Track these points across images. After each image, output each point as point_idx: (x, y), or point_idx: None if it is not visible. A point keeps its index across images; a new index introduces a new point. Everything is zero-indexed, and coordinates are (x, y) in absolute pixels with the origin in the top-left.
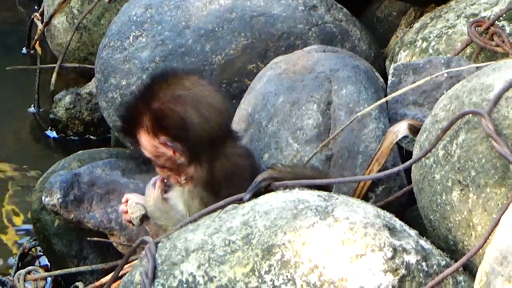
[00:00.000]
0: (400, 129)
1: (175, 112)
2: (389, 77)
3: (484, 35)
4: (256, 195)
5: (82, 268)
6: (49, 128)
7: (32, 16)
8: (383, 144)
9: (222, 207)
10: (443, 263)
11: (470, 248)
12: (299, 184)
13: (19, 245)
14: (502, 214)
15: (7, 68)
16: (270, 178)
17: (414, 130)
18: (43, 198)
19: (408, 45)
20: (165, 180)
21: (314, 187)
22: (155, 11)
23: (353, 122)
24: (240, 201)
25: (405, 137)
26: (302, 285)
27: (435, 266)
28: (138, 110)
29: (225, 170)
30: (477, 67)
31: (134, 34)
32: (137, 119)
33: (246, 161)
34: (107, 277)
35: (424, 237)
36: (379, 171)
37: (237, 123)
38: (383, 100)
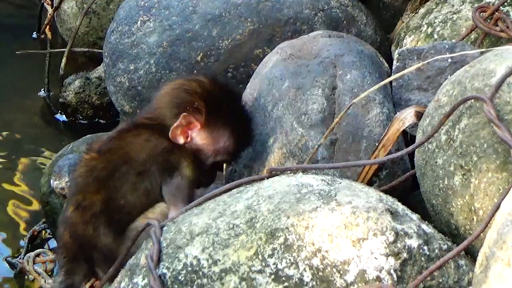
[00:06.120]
0: (407, 116)
1: None
2: (394, 62)
3: (488, 20)
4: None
5: None
6: (59, 111)
7: (42, 1)
8: (389, 131)
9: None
10: (445, 247)
11: (471, 232)
12: (302, 168)
13: (29, 228)
14: (503, 199)
15: (17, 52)
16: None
17: (421, 116)
18: (51, 181)
19: (413, 31)
20: None
21: None
22: None
23: (357, 107)
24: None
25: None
26: (305, 268)
27: (436, 250)
28: None
29: None
30: (481, 53)
31: (142, 19)
32: None
33: None
34: None
35: (426, 222)
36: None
37: None
38: (382, 83)
